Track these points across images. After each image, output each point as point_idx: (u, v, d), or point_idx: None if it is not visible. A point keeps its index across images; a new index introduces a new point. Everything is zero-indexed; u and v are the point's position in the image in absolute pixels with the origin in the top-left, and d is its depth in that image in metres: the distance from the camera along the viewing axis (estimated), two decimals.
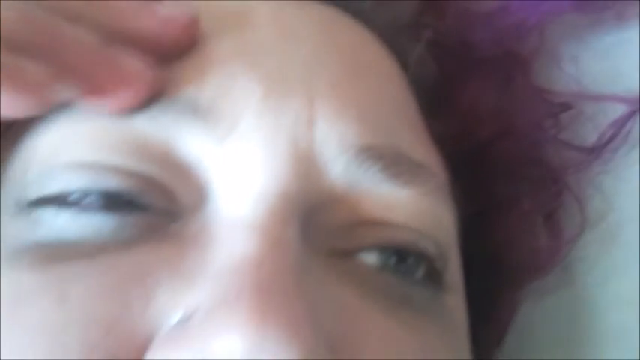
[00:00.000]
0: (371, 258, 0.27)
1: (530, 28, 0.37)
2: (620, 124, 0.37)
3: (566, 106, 0.37)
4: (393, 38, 0.33)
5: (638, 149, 0.37)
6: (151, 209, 0.25)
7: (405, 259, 0.27)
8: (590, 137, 0.37)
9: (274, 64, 0.27)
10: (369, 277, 0.26)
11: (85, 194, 0.25)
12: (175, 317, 0.23)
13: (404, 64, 0.32)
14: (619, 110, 0.37)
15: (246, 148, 0.25)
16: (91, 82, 0.25)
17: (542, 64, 0.39)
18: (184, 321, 0.22)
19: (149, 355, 0.22)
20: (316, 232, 0.26)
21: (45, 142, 0.26)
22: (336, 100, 0.27)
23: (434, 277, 0.28)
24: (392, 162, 0.27)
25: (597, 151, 0.37)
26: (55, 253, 0.24)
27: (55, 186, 0.25)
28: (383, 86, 0.30)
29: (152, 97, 0.25)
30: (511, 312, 0.37)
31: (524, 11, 0.37)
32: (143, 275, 0.24)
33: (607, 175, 0.37)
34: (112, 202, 0.25)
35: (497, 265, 0.36)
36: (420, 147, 0.30)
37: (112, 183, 0.25)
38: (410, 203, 0.28)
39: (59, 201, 0.25)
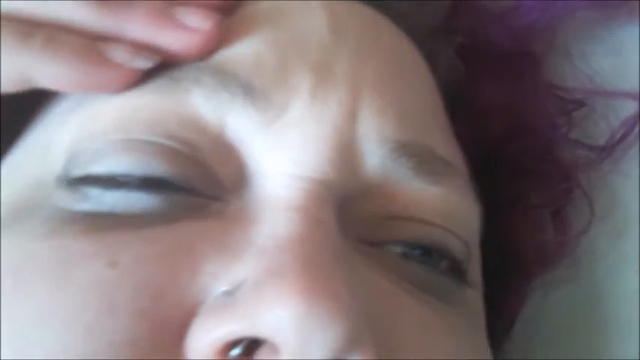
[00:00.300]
0: (397, 249, 0.28)
1: (544, 27, 0.38)
2: (632, 122, 0.37)
3: (578, 104, 0.38)
4: (424, 41, 0.33)
5: None
6: (195, 191, 0.26)
7: (430, 253, 0.28)
8: (602, 134, 0.38)
9: (323, 56, 0.28)
10: (396, 265, 0.27)
11: (130, 178, 0.26)
12: (221, 289, 0.23)
13: (433, 66, 0.33)
14: (631, 107, 0.38)
15: (294, 134, 0.26)
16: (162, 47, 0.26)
17: (555, 61, 0.39)
18: (231, 293, 0.23)
19: (197, 323, 0.23)
20: (348, 220, 0.26)
21: (90, 117, 0.27)
22: (378, 95, 0.28)
23: (457, 272, 0.29)
24: (424, 159, 0.29)
25: (609, 149, 0.37)
26: (105, 223, 0.25)
27: (101, 166, 0.26)
28: (418, 86, 0.31)
29: (208, 74, 0.27)
30: (520, 303, 0.38)
31: (538, 10, 0.37)
32: (190, 247, 0.24)
33: (615, 171, 0.38)
34: (157, 184, 0.26)
35: (506, 258, 0.37)
36: (448, 145, 0.31)
37: (157, 168, 0.26)
38: (439, 201, 0.29)
39: (105, 181, 0.26)
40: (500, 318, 0.37)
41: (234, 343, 0.22)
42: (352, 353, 0.22)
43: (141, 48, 0.26)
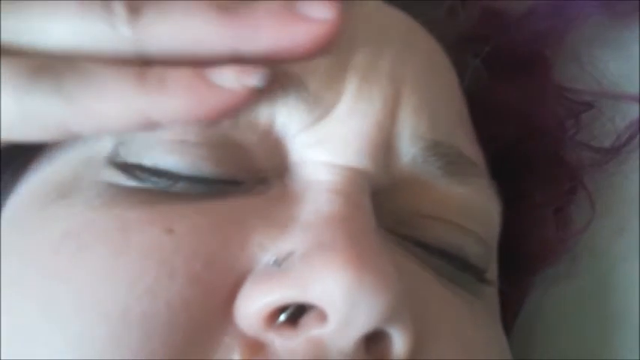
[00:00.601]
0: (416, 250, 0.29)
1: (556, 32, 0.39)
2: (638, 125, 0.39)
3: (586, 106, 0.39)
4: (451, 48, 0.34)
5: None
6: (240, 182, 0.27)
7: (448, 255, 0.30)
8: (609, 136, 0.39)
9: (368, 57, 0.29)
10: (421, 256, 0.29)
11: (180, 176, 0.27)
12: (268, 259, 0.25)
13: (459, 73, 0.35)
14: (638, 110, 0.39)
15: (338, 129, 0.28)
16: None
17: (564, 64, 0.40)
18: (279, 262, 0.25)
19: (246, 289, 0.24)
20: (378, 211, 0.28)
21: None
22: (415, 95, 0.30)
23: (474, 273, 0.31)
24: (453, 160, 0.30)
25: (614, 152, 0.39)
26: (159, 197, 0.26)
27: (152, 159, 0.27)
28: (449, 89, 0.33)
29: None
30: (521, 298, 0.39)
31: (553, 16, 0.38)
32: (240, 219, 0.26)
33: (618, 171, 0.39)
34: (205, 180, 0.27)
35: (509, 254, 0.39)
36: (474, 147, 0.32)
37: (205, 170, 0.27)
38: (464, 201, 0.30)
39: (156, 172, 0.27)
40: (503, 312, 0.38)
41: (280, 311, 0.24)
42: (393, 325, 0.24)
43: (249, 66, 0.25)
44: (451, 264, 0.30)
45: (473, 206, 0.31)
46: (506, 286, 0.38)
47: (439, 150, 0.29)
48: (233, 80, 0.25)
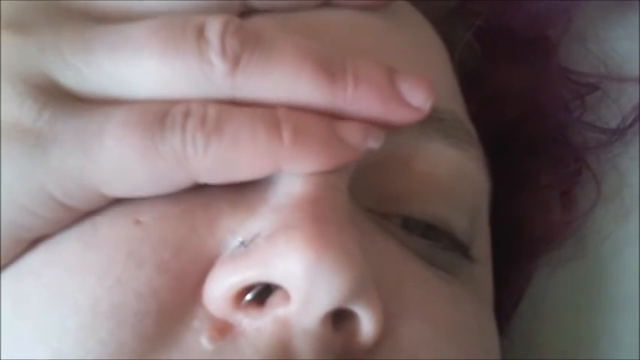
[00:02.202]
0: (399, 221, 0.29)
1: (561, 12, 0.38)
2: None
3: (591, 88, 0.39)
4: (441, 23, 0.34)
5: None
6: None
7: (433, 230, 0.30)
8: (614, 117, 0.39)
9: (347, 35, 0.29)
10: (402, 236, 0.29)
11: None
12: (237, 242, 0.25)
13: (450, 47, 0.34)
14: None
15: None
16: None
17: (569, 46, 0.40)
18: (245, 244, 0.25)
19: (213, 272, 0.24)
20: (361, 188, 0.28)
21: None
22: (401, 63, 0.29)
23: (458, 249, 0.31)
24: (449, 124, 0.30)
25: (620, 133, 0.38)
26: None
27: None
28: (440, 61, 0.33)
29: None
30: (526, 280, 0.39)
31: None
32: (207, 205, 0.26)
33: (625, 153, 0.39)
34: None
35: (514, 236, 0.39)
36: (468, 119, 0.32)
37: None
38: (458, 163, 0.30)
39: None
40: (507, 294, 0.38)
41: (247, 291, 0.24)
42: (357, 303, 0.24)
43: (371, 127, 0.26)
44: (435, 242, 0.29)
45: (463, 171, 0.30)
46: (512, 268, 0.38)
47: (435, 114, 0.29)
48: (359, 139, 0.26)
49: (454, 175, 0.30)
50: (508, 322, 0.38)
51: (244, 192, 0.26)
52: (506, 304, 0.38)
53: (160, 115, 0.24)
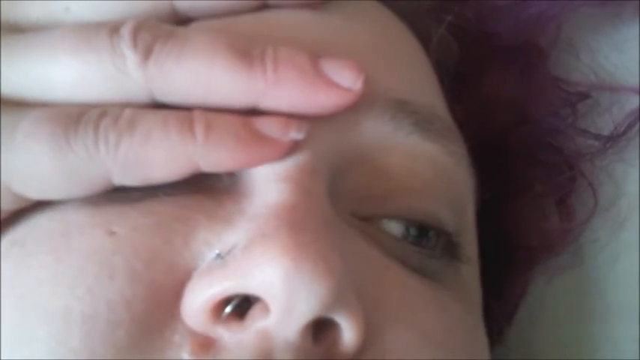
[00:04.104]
0: (393, 227, 0.29)
1: (549, 19, 0.39)
2: (637, 114, 0.38)
3: (583, 96, 0.39)
4: (416, 21, 0.34)
5: None
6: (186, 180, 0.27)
7: (427, 232, 0.29)
8: (606, 127, 0.39)
9: (299, 33, 0.29)
10: (389, 243, 0.28)
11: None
12: (214, 254, 0.25)
13: (426, 47, 0.34)
14: (634, 102, 0.39)
15: None
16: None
17: (560, 55, 0.40)
18: (222, 256, 0.24)
19: (190, 285, 0.24)
20: (341, 192, 0.27)
21: None
22: (370, 56, 0.29)
23: (451, 249, 0.30)
24: (425, 118, 0.29)
25: (613, 140, 0.38)
26: (102, 197, 0.26)
27: None
28: (414, 57, 0.32)
29: None
30: (522, 289, 0.39)
31: (545, 3, 0.38)
32: (183, 216, 0.25)
33: (619, 161, 0.39)
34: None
35: (510, 245, 0.39)
36: (449, 115, 0.32)
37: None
38: (436, 156, 0.29)
39: None
40: (504, 303, 0.38)
41: (225, 303, 0.24)
42: (337, 311, 0.24)
43: (289, 120, 0.26)
44: (422, 249, 0.29)
45: (442, 165, 0.29)
46: (508, 277, 0.38)
47: (408, 108, 0.29)
48: (279, 132, 0.25)
49: (433, 168, 0.29)
50: (503, 331, 0.38)
51: (222, 202, 0.26)
52: (502, 313, 0.38)
53: (75, 114, 0.25)
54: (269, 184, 0.25)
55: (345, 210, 0.27)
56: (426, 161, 0.29)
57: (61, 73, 0.25)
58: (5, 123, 0.25)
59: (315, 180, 0.26)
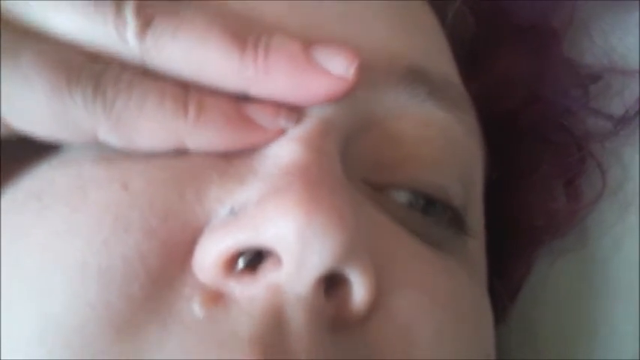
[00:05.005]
0: (401, 197, 0.29)
1: (564, 0, 0.39)
2: None
3: (594, 78, 0.39)
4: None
5: None
6: None
7: (434, 204, 0.29)
8: (618, 110, 0.39)
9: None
10: (397, 212, 0.28)
11: None
12: (226, 210, 0.25)
13: (441, 21, 0.34)
14: None
15: None
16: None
17: (574, 37, 0.40)
18: (235, 212, 0.24)
19: (203, 239, 0.24)
20: (352, 159, 0.27)
21: None
22: (386, 24, 0.29)
23: (458, 222, 0.30)
24: (439, 86, 0.29)
25: (625, 121, 0.38)
26: (117, 154, 0.26)
27: None
28: (429, 26, 0.32)
29: None
30: (526, 269, 0.39)
31: None
32: (196, 174, 0.25)
33: (627, 146, 0.39)
34: None
35: (516, 224, 0.39)
36: (461, 85, 0.32)
37: None
38: (448, 125, 0.30)
39: None
40: (507, 282, 0.38)
41: (238, 258, 0.24)
42: (350, 266, 0.24)
43: (280, 108, 0.26)
44: (430, 216, 0.29)
45: (454, 135, 0.30)
46: (512, 257, 0.38)
47: (423, 75, 0.29)
48: (268, 119, 0.26)
49: (444, 137, 0.29)
50: (507, 309, 0.38)
51: (233, 162, 0.26)
52: (506, 291, 0.38)
53: (79, 62, 0.25)
54: (281, 145, 0.26)
55: (355, 177, 0.28)
56: (438, 129, 0.29)
57: (62, 23, 0.25)
58: (6, 43, 0.25)
59: (327, 142, 0.26)
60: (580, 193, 0.39)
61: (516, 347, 0.38)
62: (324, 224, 0.23)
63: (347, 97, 0.27)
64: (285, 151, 0.25)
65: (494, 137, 0.35)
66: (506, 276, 0.38)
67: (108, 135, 0.25)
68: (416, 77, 0.29)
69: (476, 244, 0.32)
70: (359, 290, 0.24)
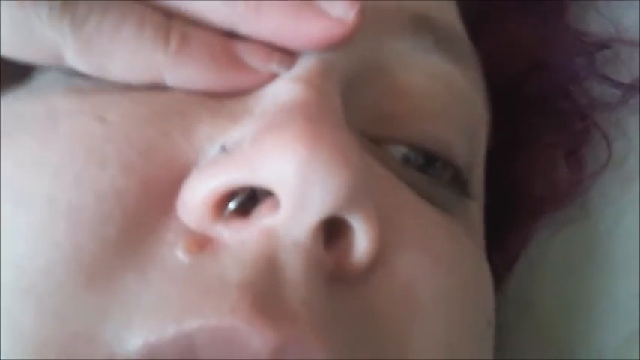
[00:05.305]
0: (399, 152, 0.27)
1: None
2: None
3: (601, 46, 0.38)
4: None
5: None
6: None
7: (433, 163, 0.28)
8: (624, 80, 0.38)
9: None
10: (397, 168, 0.27)
11: None
12: (216, 149, 0.23)
13: None
14: None
15: None
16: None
17: (580, 8, 0.39)
18: (227, 150, 0.22)
19: (190, 178, 0.22)
20: (352, 111, 0.25)
21: None
22: None
23: (459, 183, 0.29)
24: (446, 37, 0.28)
25: (632, 89, 0.37)
26: (91, 86, 0.24)
27: None
28: None
29: None
30: (524, 240, 0.38)
31: None
32: (183, 110, 0.23)
33: (631, 117, 0.39)
34: None
35: (517, 194, 0.38)
36: (468, 40, 0.30)
37: None
38: (454, 79, 0.28)
39: None
40: (504, 252, 0.37)
41: (228, 200, 0.22)
42: (353, 211, 0.22)
43: (273, 51, 0.24)
44: (431, 177, 0.28)
45: (461, 90, 0.28)
46: (511, 226, 0.38)
47: (430, 24, 0.27)
48: (259, 61, 0.24)
49: (451, 91, 0.28)
50: (504, 279, 0.37)
51: (224, 102, 0.24)
52: (502, 262, 0.37)
53: None
54: (279, 84, 0.24)
55: (355, 128, 0.26)
56: (443, 83, 0.28)
57: None
58: None
59: (328, 83, 0.24)
60: (583, 163, 0.38)
61: (514, 319, 0.37)
62: (327, 162, 0.21)
63: (348, 43, 0.25)
64: (284, 90, 0.23)
65: (497, 104, 0.34)
66: (503, 246, 0.37)
67: (76, 58, 0.23)
68: (422, 25, 0.27)
69: (477, 208, 0.31)
70: (361, 240, 0.22)
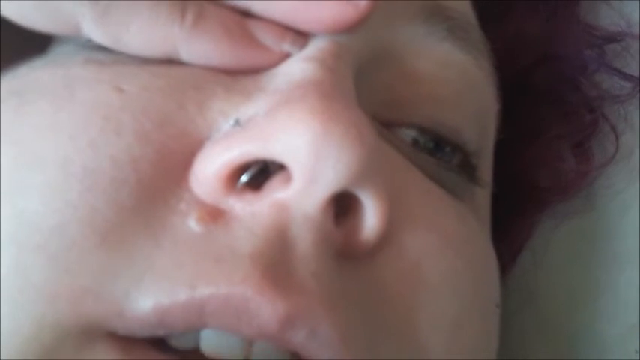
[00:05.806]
0: (409, 135, 0.28)
1: None
2: None
3: (610, 39, 0.38)
4: None
5: None
6: None
7: (443, 148, 0.28)
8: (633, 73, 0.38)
9: None
10: (407, 151, 0.27)
11: None
12: (230, 123, 0.23)
13: None
14: None
15: None
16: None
17: (592, 2, 0.39)
18: (240, 123, 0.23)
19: (204, 151, 0.23)
20: (364, 95, 0.26)
21: None
22: None
23: (468, 169, 0.29)
24: (460, 25, 0.28)
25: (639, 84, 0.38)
26: (108, 57, 0.24)
27: None
28: None
29: None
30: (529, 230, 0.38)
31: None
32: (198, 84, 0.24)
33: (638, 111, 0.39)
34: None
35: (524, 185, 0.38)
36: (480, 29, 0.31)
37: None
38: (467, 68, 0.28)
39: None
40: (508, 243, 0.37)
41: (241, 172, 0.22)
42: (364, 187, 0.22)
43: (287, 30, 0.24)
44: (440, 161, 0.28)
45: (473, 78, 0.29)
46: (516, 217, 0.38)
47: (443, 12, 0.27)
48: (273, 40, 0.24)
49: (463, 79, 0.28)
50: (506, 270, 0.37)
51: (238, 79, 0.24)
52: (506, 253, 0.37)
53: None
54: (292, 63, 0.24)
55: (366, 111, 0.26)
56: (456, 71, 0.28)
57: None
58: None
59: (341, 64, 0.24)
60: (590, 155, 0.38)
61: (518, 308, 0.37)
62: (340, 137, 0.21)
63: (361, 27, 0.25)
64: (297, 69, 0.24)
65: (506, 95, 0.34)
66: (508, 236, 0.37)
67: (93, 29, 0.23)
68: (435, 13, 0.28)
69: (485, 196, 0.31)
70: (371, 217, 0.23)
